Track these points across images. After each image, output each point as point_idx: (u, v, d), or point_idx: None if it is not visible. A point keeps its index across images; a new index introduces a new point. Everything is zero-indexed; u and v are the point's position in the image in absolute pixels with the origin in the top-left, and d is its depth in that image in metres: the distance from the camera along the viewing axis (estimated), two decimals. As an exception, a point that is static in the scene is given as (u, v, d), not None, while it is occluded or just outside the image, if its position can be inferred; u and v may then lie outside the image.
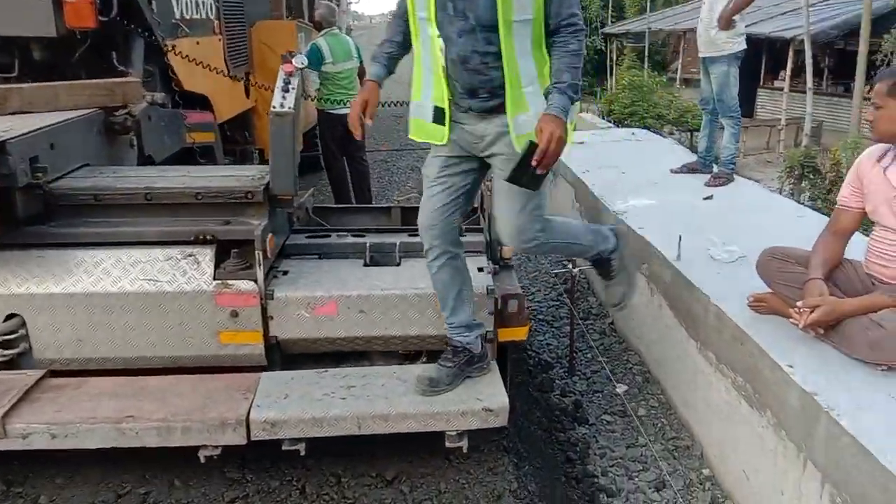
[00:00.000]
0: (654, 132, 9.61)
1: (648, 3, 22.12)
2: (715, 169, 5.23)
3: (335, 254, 3.14)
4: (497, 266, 3.12)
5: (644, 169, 5.55)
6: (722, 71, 4.93)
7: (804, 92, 14.58)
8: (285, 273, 2.92)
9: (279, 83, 2.85)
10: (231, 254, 2.77)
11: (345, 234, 3.29)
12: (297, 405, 2.53)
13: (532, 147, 2.23)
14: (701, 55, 5.15)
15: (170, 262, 2.75)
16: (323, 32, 5.94)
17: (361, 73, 5.81)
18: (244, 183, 2.90)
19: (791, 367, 2.45)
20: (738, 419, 2.79)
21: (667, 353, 3.55)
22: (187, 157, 4.35)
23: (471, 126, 2.47)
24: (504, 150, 2.44)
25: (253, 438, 2.48)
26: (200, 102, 4.67)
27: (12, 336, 2.67)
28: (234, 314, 2.74)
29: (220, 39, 5.13)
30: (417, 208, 3.85)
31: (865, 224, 2.80)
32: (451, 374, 2.62)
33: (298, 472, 2.72)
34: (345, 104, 5.54)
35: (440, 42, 2.36)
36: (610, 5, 25.53)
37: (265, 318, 2.76)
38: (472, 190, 2.67)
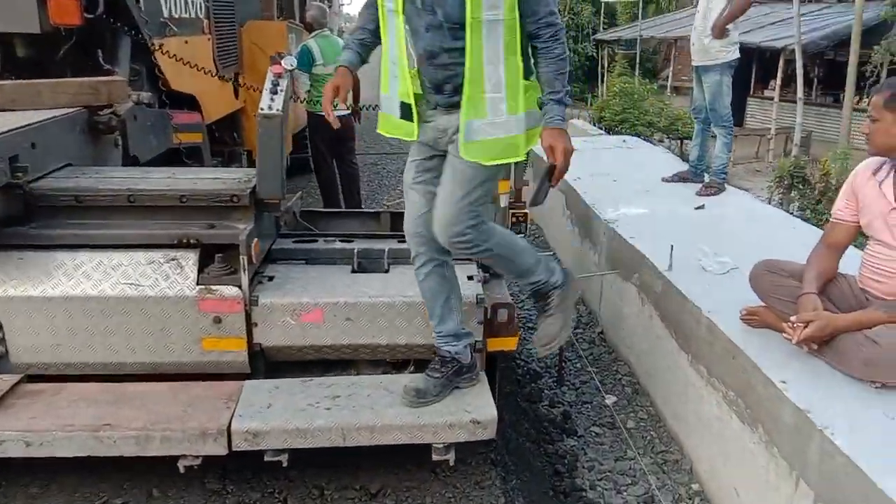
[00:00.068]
0: (644, 140, 9.62)
1: (640, 11, 22.19)
2: (706, 178, 5.21)
3: (322, 259, 3.08)
4: (487, 274, 3.07)
5: (635, 177, 5.53)
6: (715, 80, 4.91)
7: (794, 101, 14.64)
8: (271, 279, 2.86)
9: (267, 85, 2.79)
10: (215, 258, 2.70)
11: (333, 239, 3.23)
12: (281, 415, 2.47)
13: (550, 169, 2.32)
14: (694, 64, 5.14)
15: (152, 265, 2.69)
16: (314, 34, 5.89)
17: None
18: (230, 186, 2.84)
19: (784, 382, 2.41)
20: (728, 434, 2.75)
21: (657, 365, 3.51)
22: (174, 157, 4.28)
23: (435, 122, 2.41)
24: (455, 151, 2.38)
25: (234, 449, 2.42)
26: (188, 102, 4.60)
27: (-12, 340, 2.60)
28: (218, 320, 2.67)
29: (209, 39, 5.06)
30: (406, 214, 3.84)
31: (859, 238, 2.77)
32: (439, 385, 2.56)
33: (281, 483, 2.66)
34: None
35: (407, 35, 2.31)
36: (602, 12, 25.61)
37: (249, 325, 2.70)
38: None
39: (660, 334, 3.45)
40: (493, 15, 2.19)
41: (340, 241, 3.21)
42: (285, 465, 2.43)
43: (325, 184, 6.16)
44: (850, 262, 2.75)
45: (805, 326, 2.47)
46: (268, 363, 2.81)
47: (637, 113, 13.47)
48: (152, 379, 2.71)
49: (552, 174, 2.34)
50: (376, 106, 2.71)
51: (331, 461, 2.67)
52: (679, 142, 13.83)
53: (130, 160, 3.67)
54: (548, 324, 2.67)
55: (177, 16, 4.45)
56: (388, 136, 2.54)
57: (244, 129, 5.84)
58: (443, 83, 2.32)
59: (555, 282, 2.66)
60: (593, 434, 3.36)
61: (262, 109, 2.73)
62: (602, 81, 22.40)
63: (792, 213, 8.48)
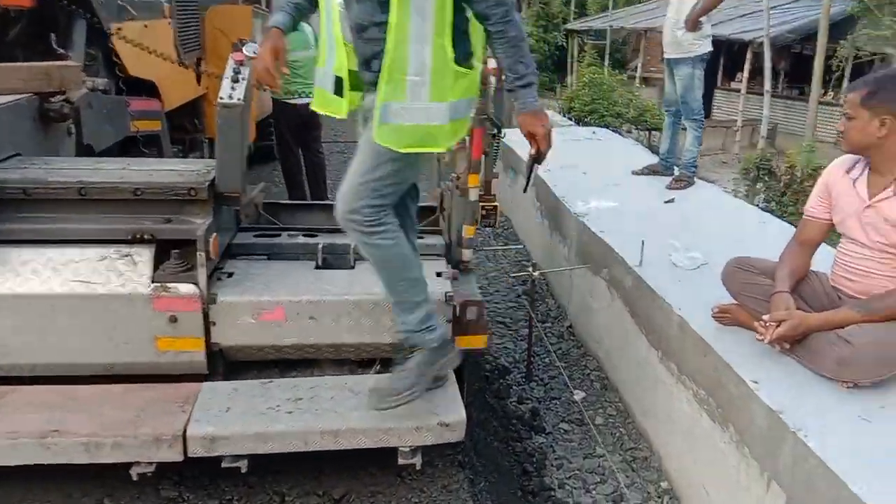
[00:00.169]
0: (613, 131, 9.60)
1: (611, 1, 22.21)
2: (676, 171, 5.18)
3: (285, 254, 2.98)
4: (456, 270, 3.00)
5: (605, 169, 5.49)
6: (687, 73, 4.87)
7: (760, 94, 14.80)
8: (230, 275, 2.75)
9: (228, 73, 2.67)
10: (171, 254, 2.59)
11: (296, 233, 3.13)
12: (240, 419, 2.37)
13: (535, 154, 2.27)
14: (666, 56, 5.09)
15: (104, 262, 2.56)
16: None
17: None
18: (187, 178, 2.71)
19: (756, 382, 2.38)
20: (699, 432, 2.71)
21: (626, 361, 3.48)
22: (131, 146, 4.12)
23: (365, 100, 2.29)
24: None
25: (190, 455, 2.31)
26: (147, 89, 4.43)
27: (-73, 341, 2.45)
28: (174, 319, 2.56)
29: (170, 23, 4.87)
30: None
31: (832, 236, 2.75)
32: (406, 386, 2.47)
33: (240, 490, 2.56)
34: (301, 94, 5.36)
35: (341, 6, 2.20)
36: (572, 1, 25.60)
37: (207, 324, 2.59)
38: None
39: (629, 330, 3.41)
40: None
41: (304, 235, 3.11)
42: (244, 471, 2.33)
43: (290, 173, 6.02)
44: (822, 259, 2.73)
45: (777, 325, 2.43)
46: (226, 363, 2.71)
47: (606, 104, 13.46)
48: (105, 381, 2.59)
49: (539, 159, 2.27)
50: None
51: (292, 466, 2.58)
52: (647, 133, 13.88)
53: (84, 149, 3.52)
54: (396, 377, 2.40)
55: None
56: (321, 112, 2.38)
57: (206, 116, 5.67)
58: (370, 59, 2.17)
59: (429, 340, 2.40)
60: (562, 431, 3.32)
61: (221, 99, 2.62)
62: (571, 71, 22.40)
63: (758, 206, 8.56)
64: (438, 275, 2.86)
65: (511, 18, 2.13)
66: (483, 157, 3.01)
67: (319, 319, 2.62)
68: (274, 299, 2.60)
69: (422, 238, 3.13)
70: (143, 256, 2.57)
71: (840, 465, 1.98)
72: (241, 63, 2.71)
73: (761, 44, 13.97)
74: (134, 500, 2.49)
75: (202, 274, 2.55)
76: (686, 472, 2.85)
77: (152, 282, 2.54)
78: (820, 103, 14.02)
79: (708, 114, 17.97)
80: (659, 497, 2.89)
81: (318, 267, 2.87)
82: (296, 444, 2.35)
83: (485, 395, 3.53)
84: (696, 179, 5.07)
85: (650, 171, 5.29)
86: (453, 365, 2.50)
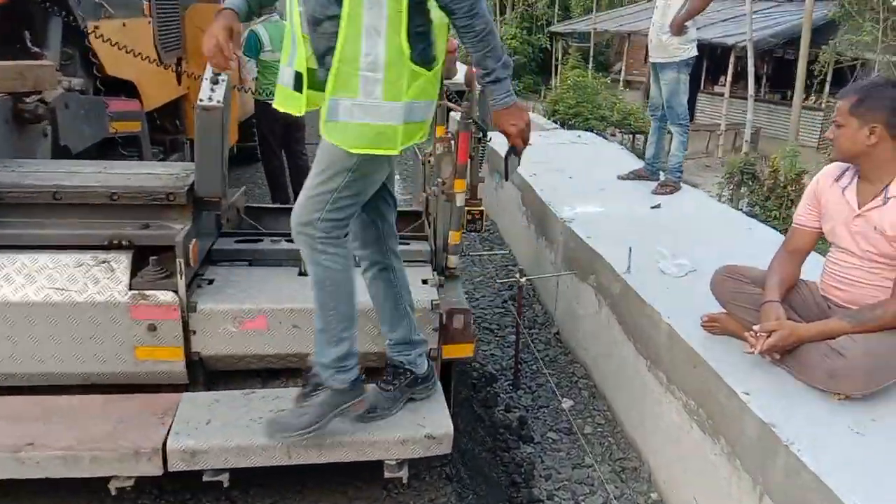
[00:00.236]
0: (598, 134, 9.60)
1: (595, 4, 22.28)
2: (662, 176, 5.17)
3: (267, 261, 2.91)
4: (442, 277, 2.94)
5: (591, 174, 5.46)
6: (672, 77, 4.86)
7: (743, 98, 14.89)
8: (211, 282, 2.68)
9: (208, 74, 2.59)
10: (149, 261, 2.51)
11: (279, 238, 3.05)
12: (221, 432, 2.29)
13: (510, 152, 2.21)
14: (651, 60, 5.08)
15: (80, 269, 2.48)
16: (262, 19, 5.63)
17: None
18: (166, 182, 2.64)
19: (747, 394, 2.35)
20: (689, 444, 2.68)
21: (614, 369, 3.44)
22: (110, 147, 4.02)
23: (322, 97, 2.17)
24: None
25: (170, 469, 2.24)
26: (126, 89, 4.33)
27: None
28: (152, 328, 2.48)
29: (149, 22, 4.77)
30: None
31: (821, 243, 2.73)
32: (391, 399, 2.42)
33: (221, 504, 2.49)
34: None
35: (298, 0, 2.10)
36: (556, 4, 25.65)
37: (187, 333, 2.51)
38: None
39: (617, 338, 3.38)
40: None
41: (287, 240, 3.02)
42: (226, 485, 2.27)
43: (273, 176, 5.94)
44: (811, 267, 2.71)
45: (767, 336, 2.40)
46: (207, 373, 2.64)
47: (591, 107, 13.48)
48: (83, 391, 2.52)
49: (515, 152, 2.22)
50: None
51: (275, 480, 2.51)
52: (632, 136, 13.92)
53: (61, 151, 3.41)
54: (297, 411, 2.26)
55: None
56: (281, 110, 2.24)
57: (187, 116, 5.56)
58: (324, 54, 2.06)
59: (338, 380, 2.26)
60: (550, 440, 3.28)
61: (201, 101, 2.54)
62: (555, 74, 22.43)
63: (742, 210, 8.59)
64: (424, 282, 2.81)
65: (477, 12, 2.02)
66: (469, 161, 2.96)
67: (303, 328, 2.56)
68: (256, 307, 2.54)
69: (407, 244, 3.08)
70: (121, 263, 2.49)
71: (834, 480, 1.95)
72: (221, 65, 2.64)
73: (744, 48, 14.05)
74: (111, 515, 2.41)
75: (181, 281, 2.48)
76: (676, 483, 2.82)
77: (130, 289, 2.46)
78: (802, 108, 14.11)
79: (692, 118, 18.09)
80: (648, 508, 2.86)
81: (301, 273, 2.80)
82: (279, 458, 2.28)
83: (472, 404, 3.48)
84: (682, 185, 5.05)
85: (636, 175, 5.27)
86: (356, 412, 2.33)
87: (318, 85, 2.10)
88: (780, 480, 2.13)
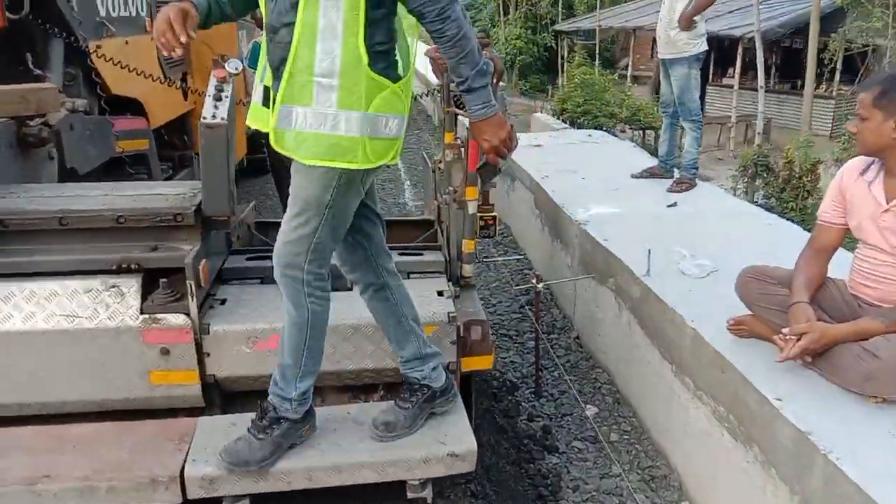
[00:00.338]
0: (607, 131, 9.51)
1: (599, 1, 22.16)
2: (676, 174, 5.08)
3: (280, 277, 2.84)
4: (458, 288, 2.88)
5: (604, 173, 5.38)
6: (683, 73, 4.78)
7: (752, 89, 14.73)
8: (223, 302, 2.62)
9: (210, 91, 2.54)
10: (159, 283, 2.46)
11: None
12: (239, 457, 2.24)
13: (484, 164, 2.13)
14: (660, 56, 5.00)
15: (90, 294, 2.43)
16: (267, 31, 5.60)
17: None
18: (173, 203, 2.59)
19: (780, 400, 2.26)
20: (719, 451, 2.60)
21: (638, 374, 3.36)
22: (117, 167, 3.99)
23: None
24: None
25: (189, 497, 2.19)
26: (133, 107, 4.30)
27: None
28: (165, 352, 2.43)
29: (152, 39, 4.73)
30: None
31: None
32: (411, 416, 2.35)
33: (241, 530, 2.42)
34: None
35: (264, 4, 2.00)
36: (560, 3, 25.54)
37: (200, 355, 2.46)
38: None
39: (639, 342, 3.30)
40: None
41: None
42: (246, 511, 2.21)
43: (284, 186, 5.86)
44: (839, 264, 2.62)
45: (798, 339, 2.32)
46: (223, 395, 2.59)
47: (599, 104, 13.36)
48: (98, 417, 2.47)
49: (489, 168, 2.15)
50: None
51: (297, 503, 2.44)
52: (642, 132, 13.79)
53: (68, 173, 3.39)
54: (255, 443, 2.18)
55: (115, 15, 4.15)
56: (253, 127, 2.14)
57: (195, 131, 5.53)
58: (279, 65, 1.95)
59: (298, 411, 2.21)
60: (575, 450, 3.20)
61: (204, 118, 2.49)
62: (562, 72, 22.32)
63: (757, 202, 8.46)
64: (440, 294, 2.74)
65: (449, 16, 1.90)
66: (479, 169, 2.90)
67: (318, 346, 2.50)
68: (269, 327, 2.48)
69: (420, 255, 3.02)
70: (131, 287, 2.44)
71: (878, 490, 1.87)
72: (223, 80, 2.58)
73: (752, 39, 13.89)
74: (129, 545, 2.35)
75: (193, 303, 2.43)
76: (708, 491, 2.74)
77: (141, 313, 2.42)
78: (814, 97, 13.96)
79: (702, 111, 17.97)
80: (679, 517, 2.78)
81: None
82: (299, 482, 2.22)
83: (494, 415, 3.41)
84: (697, 181, 4.96)
85: (650, 174, 5.19)
86: (305, 439, 2.28)
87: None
88: (819, 490, 2.05)
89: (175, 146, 5.41)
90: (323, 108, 1.92)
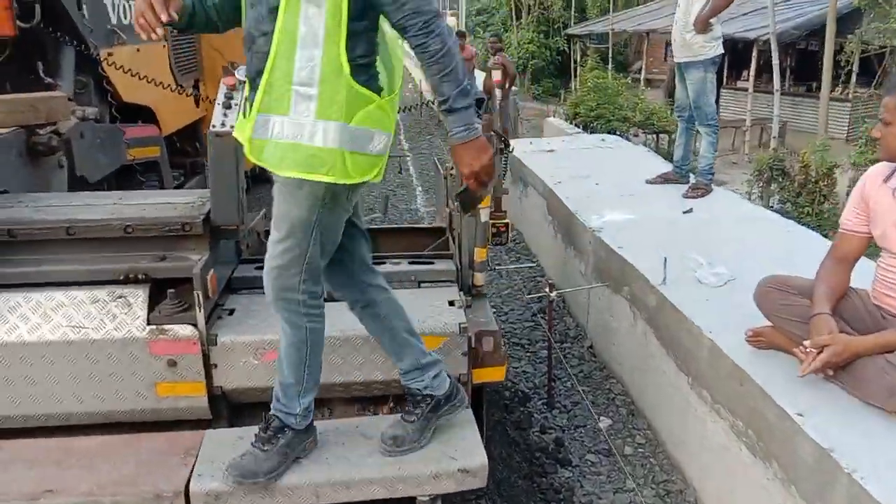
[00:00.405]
0: (621, 136, 9.44)
1: (611, 4, 22.09)
2: (692, 179, 5.01)
3: (289, 287, 2.81)
4: (469, 297, 2.83)
5: (618, 179, 5.32)
6: (698, 77, 4.71)
7: (767, 92, 14.60)
8: (231, 312, 2.59)
9: (220, 98, 2.52)
10: (167, 294, 2.43)
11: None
12: (245, 472, 2.20)
13: (464, 190, 2.01)
14: (676, 60, 4.93)
15: (97, 305, 2.40)
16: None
17: None
18: (181, 212, 2.56)
19: (801, 415, 2.20)
20: (738, 466, 2.53)
21: (653, 385, 3.30)
22: (129, 174, 3.98)
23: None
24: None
25: (194, 513, 2.15)
26: (144, 114, 4.30)
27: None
28: (172, 363, 2.40)
29: (164, 46, 4.74)
30: (385, 231, 3.58)
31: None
32: (418, 428, 2.29)
33: (248, 545, 2.38)
34: None
35: (244, 12, 1.94)
36: (572, 6, 25.48)
37: (208, 367, 2.42)
38: None
39: (655, 353, 3.23)
40: None
41: None
42: (252, 527, 2.16)
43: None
44: (861, 274, 2.55)
45: (820, 352, 2.25)
46: (231, 407, 2.55)
47: (612, 108, 13.29)
48: (104, 430, 2.44)
49: (468, 197, 2.04)
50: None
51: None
52: (655, 136, 13.71)
53: (78, 182, 3.38)
54: (260, 455, 2.14)
55: (126, 22, 4.15)
56: (238, 138, 2.03)
57: (206, 138, 5.53)
58: (256, 76, 1.89)
59: (302, 423, 2.18)
60: (589, 463, 3.14)
61: (213, 126, 2.46)
62: (575, 76, 22.25)
63: (772, 207, 8.37)
64: (451, 304, 2.69)
65: (433, 30, 1.82)
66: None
67: (326, 357, 2.44)
68: (277, 338, 2.42)
69: (431, 263, 2.98)
70: (138, 297, 2.41)
71: (904, 510, 1.80)
72: (233, 88, 2.55)
73: (766, 41, 13.78)
74: (134, 561, 2.31)
75: (200, 314, 2.39)
76: (724, 506, 2.67)
77: (148, 324, 2.39)
78: (830, 99, 13.80)
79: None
80: (695, 533, 2.71)
81: (324, 300, 2.70)
82: (306, 498, 2.17)
83: (505, 427, 3.35)
84: (713, 187, 4.89)
85: (664, 179, 5.12)
86: (309, 452, 2.24)
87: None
88: (844, 510, 1.98)
89: (187, 153, 5.42)
90: (300, 118, 1.85)
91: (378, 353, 2.48)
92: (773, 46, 12.83)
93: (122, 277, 2.44)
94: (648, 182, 5.14)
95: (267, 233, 3.32)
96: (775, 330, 2.56)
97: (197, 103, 5.32)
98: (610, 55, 21.76)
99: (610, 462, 3.12)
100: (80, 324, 2.39)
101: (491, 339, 2.62)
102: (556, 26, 25.76)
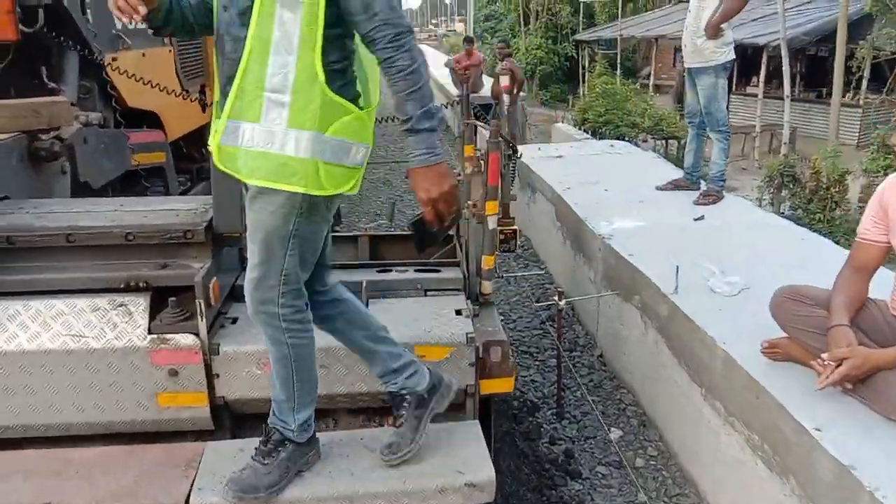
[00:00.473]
0: (629, 141, 9.37)
1: (620, 10, 22.04)
2: (703, 186, 4.94)
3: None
4: (477, 306, 2.77)
5: (627, 185, 5.26)
6: (710, 82, 4.65)
7: (777, 98, 14.50)
8: (234, 321, 2.54)
9: (223, 104, 2.47)
10: (168, 302, 2.38)
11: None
12: (247, 486, 2.14)
13: (419, 219, 1.90)
14: (686, 66, 4.88)
15: (97, 313, 2.36)
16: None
17: None
18: (183, 219, 2.51)
19: (819, 430, 2.13)
20: (753, 481, 2.46)
21: (665, 396, 3.23)
22: (133, 180, 3.94)
23: None
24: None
25: (194, 528, 2.09)
26: (150, 119, 4.26)
27: None
28: (174, 373, 2.35)
29: (170, 51, 4.71)
30: (389, 237, 3.53)
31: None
32: (409, 429, 2.20)
33: (249, 561, 2.32)
34: None
35: (216, 16, 1.88)
36: (581, 12, 25.45)
37: (210, 377, 2.38)
38: None
39: (667, 363, 3.17)
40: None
41: None
42: (253, 542, 2.11)
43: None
44: (879, 284, 2.48)
45: (838, 365, 2.18)
46: (233, 417, 2.50)
47: (621, 114, 13.22)
48: (105, 440, 2.40)
49: (423, 221, 1.91)
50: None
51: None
52: (664, 142, 13.63)
53: (81, 188, 3.34)
54: (261, 469, 2.10)
55: (131, 27, 4.11)
56: (210, 144, 1.98)
57: (211, 144, 5.49)
58: (227, 83, 1.83)
59: (301, 436, 2.13)
60: (599, 475, 3.07)
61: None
62: (583, 82, 22.20)
63: (783, 213, 8.28)
64: (458, 313, 2.64)
65: (403, 45, 1.76)
66: (500, 179, 2.80)
67: (331, 368, 2.41)
68: (280, 348, 2.39)
69: (438, 271, 2.92)
70: (139, 306, 2.37)
71: (929, 531, 1.73)
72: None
73: (776, 47, 13.69)
74: (133, 576, 2.26)
75: (202, 323, 2.35)
76: (738, 522, 2.60)
77: (149, 333, 2.34)
78: (842, 105, 13.70)
79: (726, 120, 17.73)
80: (709, 549, 2.64)
81: None
82: (308, 513, 2.12)
83: (514, 438, 3.29)
84: (724, 193, 4.82)
85: (675, 185, 5.06)
86: (311, 465, 2.19)
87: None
88: (865, 529, 1.91)
89: (193, 159, 5.37)
90: (272, 126, 1.79)
91: (383, 363, 2.42)
92: (784, 52, 12.74)
93: (122, 285, 2.39)
94: (659, 188, 5.08)
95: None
96: (791, 341, 2.49)
97: (203, 108, 5.28)
98: (618, 61, 21.68)
99: (621, 474, 3.06)
100: (81, 332, 2.35)
101: (499, 349, 2.57)
102: (564, 32, 25.71)
